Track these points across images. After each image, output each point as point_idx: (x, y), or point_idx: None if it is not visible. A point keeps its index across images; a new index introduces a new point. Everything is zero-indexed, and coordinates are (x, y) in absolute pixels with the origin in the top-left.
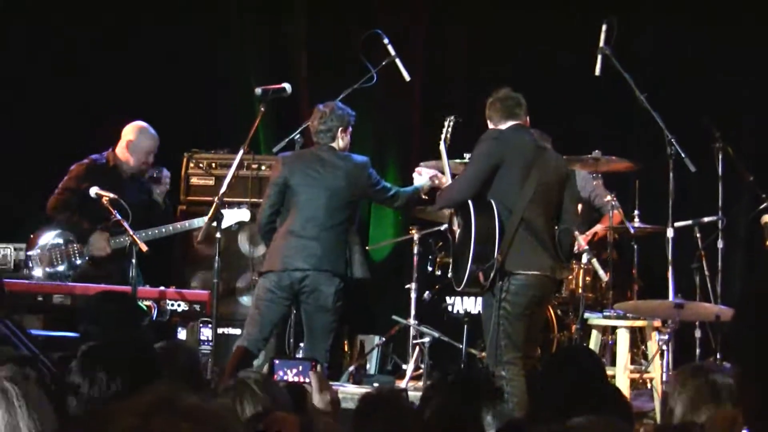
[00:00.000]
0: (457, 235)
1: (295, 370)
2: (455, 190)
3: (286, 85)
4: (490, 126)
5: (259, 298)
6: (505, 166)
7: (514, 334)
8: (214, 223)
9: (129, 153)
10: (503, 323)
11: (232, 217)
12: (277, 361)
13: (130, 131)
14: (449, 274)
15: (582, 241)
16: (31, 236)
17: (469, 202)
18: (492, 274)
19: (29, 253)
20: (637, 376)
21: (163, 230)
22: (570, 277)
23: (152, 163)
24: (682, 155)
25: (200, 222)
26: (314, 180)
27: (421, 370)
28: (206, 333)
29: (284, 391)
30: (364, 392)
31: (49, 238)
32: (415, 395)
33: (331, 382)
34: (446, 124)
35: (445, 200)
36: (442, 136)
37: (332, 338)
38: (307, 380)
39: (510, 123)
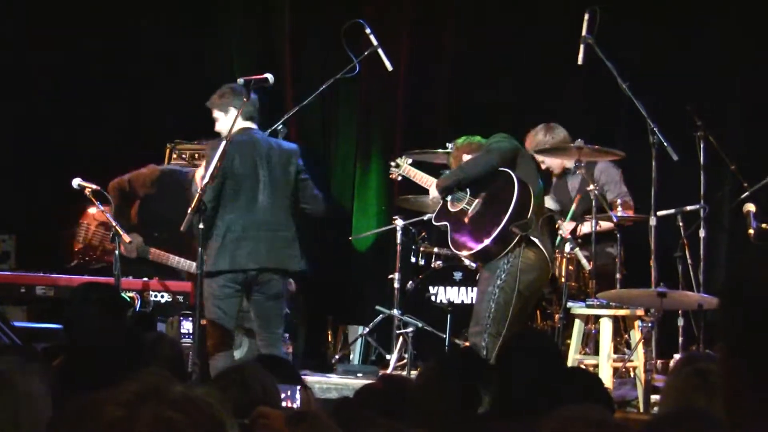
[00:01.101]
0: (474, 206)
1: (283, 395)
2: (476, 165)
3: (269, 76)
4: None
5: (216, 297)
6: (521, 156)
7: (507, 310)
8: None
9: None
10: (501, 295)
11: (187, 266)
12: None
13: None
14: (454, 250)
15: (566, 229)
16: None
17: (507, 170)
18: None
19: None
20: (620, 365)
21: (168, 258)
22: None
23: None
24: (665, 144)
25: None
26: (258, 168)
27: (405, 360)
28: (187, 326)
29: (275, 384)
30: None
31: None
32: None
33: (313, 373)
34: (399, 167)
35: (468, 173)
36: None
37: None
38: (297, 405)
39: None
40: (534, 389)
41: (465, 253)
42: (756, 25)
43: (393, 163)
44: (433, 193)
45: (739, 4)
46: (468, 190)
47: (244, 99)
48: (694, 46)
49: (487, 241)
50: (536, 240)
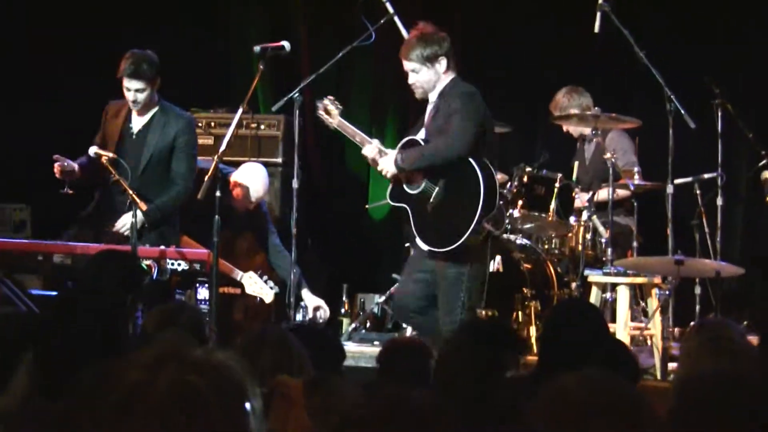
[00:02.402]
0: (436, 195)
1: None
2: (448, 147)
3: (285, 43)
4: (440, 68)
5: None
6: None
7: (476, 295)
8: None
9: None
10: (472, 282)
11: (258, 290)
12: None
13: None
14: (417, 240)
15: (583, 198)
16: None
17: (470, 159)
18: (495, 231)
19: None
20: (637, 333)
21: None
22: (570, 234)
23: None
24: (682, 112)
25: None
26: None
27: None
28: (203, 293)
29: (304, 352)
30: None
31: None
32: None
33: None
34: (326, 108)
35: (434, 158)
36: (334, 121)
37: None
38: None
39: (454, 75)
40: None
41: (434, 249)
42: None
43: (321, 105)
44: (390, 167)
45: None
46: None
47: (260, 67)
48: (711, 14)
49: (459, 242)
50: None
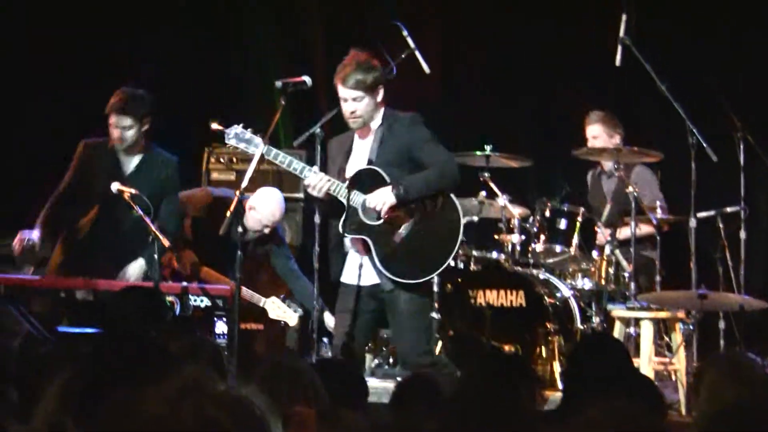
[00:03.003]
0: (406, 227)
1: None
2: (452, 172)
3: (306, 78)
4: (378, 97)
5: None
6: None
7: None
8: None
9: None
10: (432, 311)
11: (282, 314)
12: None
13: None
14: (384, 270)
15: (605, 232)
16: None
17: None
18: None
19: None
20: (661, 367)
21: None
22: (593, 269)
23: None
24: (704, 145)
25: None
26: None
27: None
28: (221, 327)
29: (319, 381)
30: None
31: None
32: None
33: None
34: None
35: (438, 185)
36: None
37: None
38: None
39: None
40: (602, 388)
41: (403, 280)
42: None
43: (231, 132)
44: (388, 199)
45: None
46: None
47: (282, 102)
48: (730, 44)
49: (431, 275)
50: None
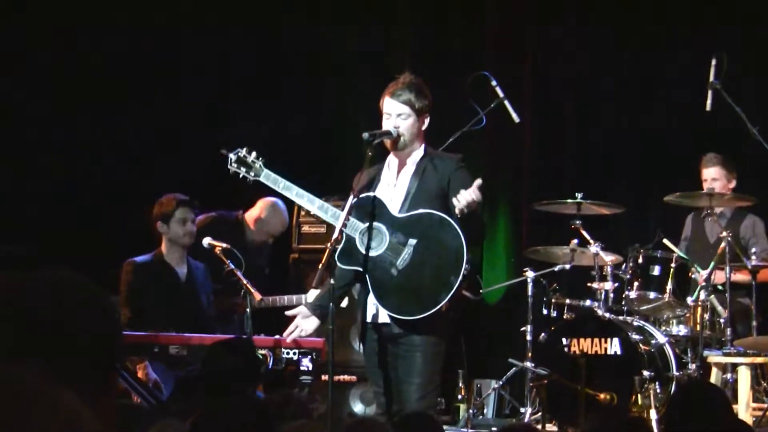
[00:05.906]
0: (403, 257)
1: None
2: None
3: (393, 129)
4: (423, 126)
5: None
6: None
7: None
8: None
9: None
10: (443, 348)
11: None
12: None
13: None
14: (388, 308)
15: (701, 277)
16: None
17: (446, 216)
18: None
19: None
20: (760, 413)
21: (278, 300)
22: (688, 315)
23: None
24: None
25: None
26: None
27: (539, 413)
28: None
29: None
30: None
31: None
32: None
33: (448, 428)
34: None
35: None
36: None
37: None
38: None
39: None
40: None
41: (401, 317)
42: None
43: (233, 156)
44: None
45: None
46: (398, 235)
47: (369, 153)
48: None
49: (433, 309)
50: None
